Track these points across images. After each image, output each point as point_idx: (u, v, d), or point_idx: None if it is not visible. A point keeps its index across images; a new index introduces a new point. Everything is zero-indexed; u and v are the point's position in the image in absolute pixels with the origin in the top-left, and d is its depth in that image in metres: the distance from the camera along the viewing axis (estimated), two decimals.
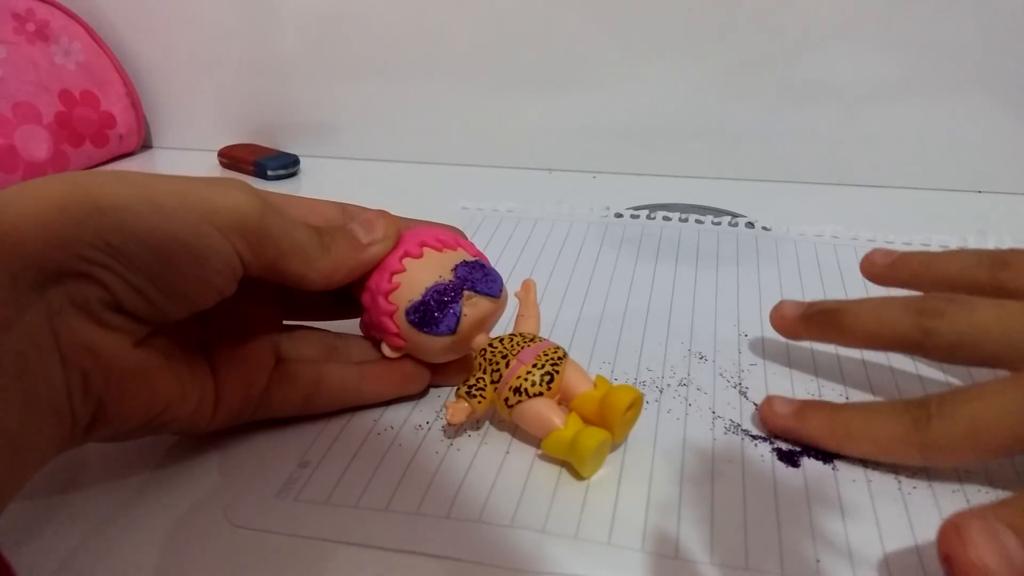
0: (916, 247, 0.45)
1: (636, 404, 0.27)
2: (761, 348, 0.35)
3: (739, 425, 0.30)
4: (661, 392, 0.32)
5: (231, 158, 0.60)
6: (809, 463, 0.28)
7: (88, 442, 0.25)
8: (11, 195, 0.21)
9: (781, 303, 0.33)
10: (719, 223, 0.49)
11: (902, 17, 0.50)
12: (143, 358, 0.24)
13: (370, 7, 0.57)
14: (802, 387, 0.32)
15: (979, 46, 0.50)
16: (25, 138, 0.54)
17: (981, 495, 0.26)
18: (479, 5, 0.56)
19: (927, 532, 0.24)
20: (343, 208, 0.30)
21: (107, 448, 0.29)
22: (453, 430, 0.30)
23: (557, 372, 0.28)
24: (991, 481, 0.27)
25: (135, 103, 0.62)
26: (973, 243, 0.46)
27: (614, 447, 0.28)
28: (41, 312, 0.21)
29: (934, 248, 0.41)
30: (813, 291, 0.40)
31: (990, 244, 0.46)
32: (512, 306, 0.32)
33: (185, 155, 0.65)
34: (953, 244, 0.46)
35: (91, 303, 0.22)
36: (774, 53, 0.53)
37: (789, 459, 0.28)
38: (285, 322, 0.31)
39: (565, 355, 0.29)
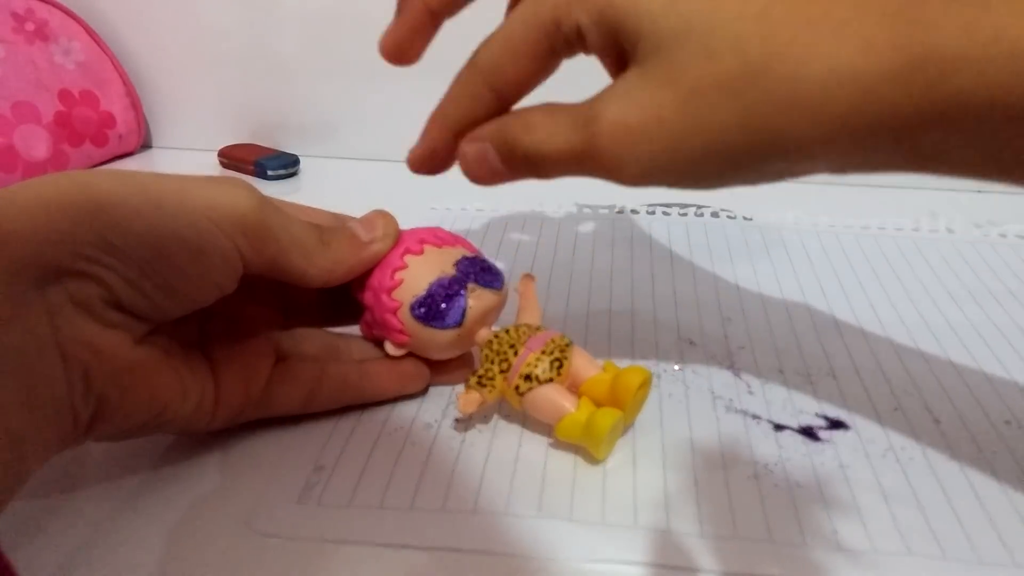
0: (914, 244, 0.45)
1: (646, 383, 0.28)
2: (745, 331, 0.36)
3: (738, 404, 0.31)
4: (659, 377, 0.33)
5: (231, 158, 0.60)
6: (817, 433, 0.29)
7: (89, 440, 0.25)
8: (11, 194, 0.21)
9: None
10: (701, 215, 0.49)
11: None
12: (143, 355, 0.24)
13: (370, 7, 0.57)
14: (791, 366, 0.33)
15: None
16: (24, 138, 0.54)
17: (982, 473, 0.27)
18: (479, 5, 0.55)
19: (930, 495, 0.26)
20: (335, 215, 0.31)
21: (107, 448, 0.28)
22: (463, 423, 0.30)
23: (566, 358, 0.28)
24: (980, 449, 0.28)
25: (135, 103, 0.62)
26: (926, 226, 0.47)
27: (624, 431, 0.29)
28: (41, 310, 0.21)
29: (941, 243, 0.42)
30: (786, 276, 0.42)
31: (941, 227, 0.47)
32: (511, 302, 0.32)
33: (185, 155, 0.65)
34: (950, 242, 0.46)
35: (91, 301, 0.22)
36: None
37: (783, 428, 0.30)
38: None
39: (571, 343, 0.29)
